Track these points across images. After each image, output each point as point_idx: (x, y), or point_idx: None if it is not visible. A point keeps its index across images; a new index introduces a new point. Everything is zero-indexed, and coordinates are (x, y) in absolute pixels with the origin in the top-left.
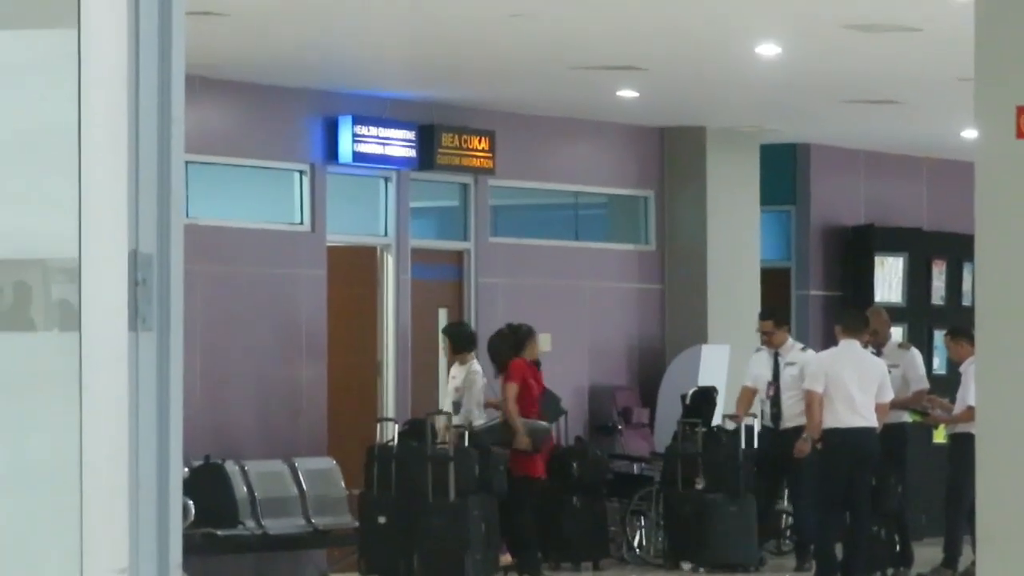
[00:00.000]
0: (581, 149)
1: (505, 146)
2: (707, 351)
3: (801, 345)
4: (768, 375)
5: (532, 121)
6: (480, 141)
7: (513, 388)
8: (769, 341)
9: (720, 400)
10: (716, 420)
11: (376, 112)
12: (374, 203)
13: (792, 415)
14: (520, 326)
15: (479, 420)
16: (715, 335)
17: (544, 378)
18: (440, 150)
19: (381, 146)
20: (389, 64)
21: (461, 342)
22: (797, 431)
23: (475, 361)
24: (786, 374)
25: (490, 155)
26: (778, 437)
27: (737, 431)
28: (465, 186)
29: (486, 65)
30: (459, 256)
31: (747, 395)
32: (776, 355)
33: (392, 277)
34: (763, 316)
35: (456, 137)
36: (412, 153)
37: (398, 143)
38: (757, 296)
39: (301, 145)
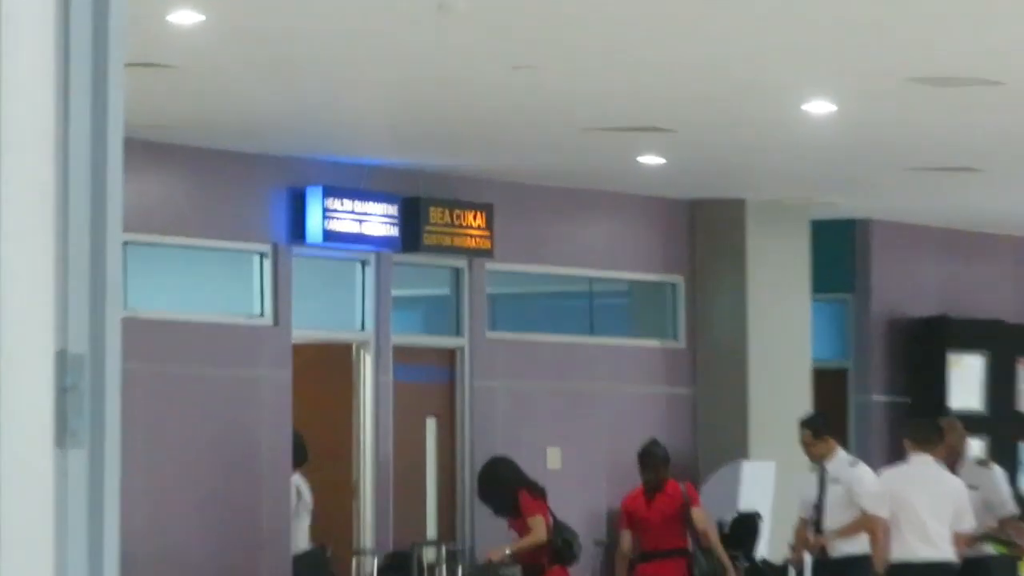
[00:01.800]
0: (596, 226)
1: (505, 223)
2: (749, 469)
3: (851, 459)
4: (815, 496)
5: (537, 192)
6: (475, 217)
7: (540, 523)
8: (809, 454)
9: (765, 528)
10: (760, 552)
11: (351, 182)
12: (349, 291)
13: (839, 542)
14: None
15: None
16: (758, 449)
17: (552, 505)
18: (428, 228)
19: (357, 223)
20: (367, 125)
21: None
22: (849, 563)
23: None
24: (831, 493)
25: (487, 233)
26: (826, 570)
27: (785, 568)
28: (457, 271)
29: (483, 126)
30: (451, 355)
31: (802, 529)
32: (822, 471)
33: (370, 380)
34: (802, 424)
35: (447, 212)
36: (394, 231)
37: (378, 219)
38: (808, 402)
39: (262, 222)
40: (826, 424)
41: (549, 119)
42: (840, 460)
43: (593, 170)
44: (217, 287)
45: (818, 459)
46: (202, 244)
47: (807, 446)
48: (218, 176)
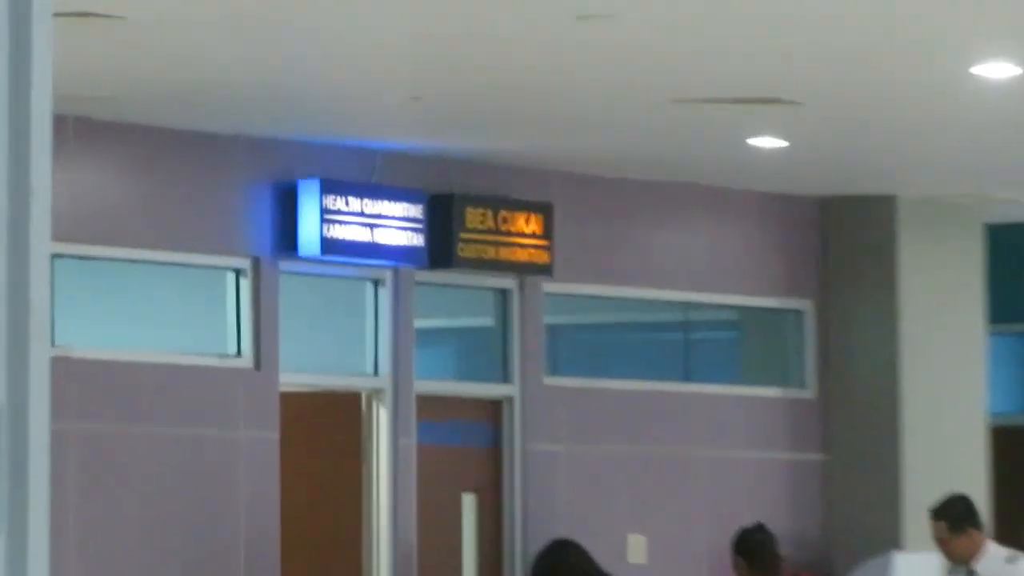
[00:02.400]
0: (693, 234)
1: (569, 229)
2: (904, 562)
3: (1008, 554)
4: None
5: (612, 188)
6: (528, 221)
7: None
8: (948, 553)
9: None
10: None
11: (359, 174)
12: (356, 322)
13: None
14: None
15: None
16: (915, 535)
17: None
18: (463, 236)
19: (367, 230)
20: (380, 96)
21: None
22: None
23: None
24: None
25: (545, 243)
26: None
27: None
28: (504, 294)
29: (538, 97)
30: (495, 409)
31: None
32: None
33: (386, 443)
34: (933, 515)
35: (489, 214)
36: (418, 240)
37: (395, 224)
38: (984, 471)
39: (238, 228)
40: (969, 512)
41: (628, 87)
42: (993, 558)
43: (689, 157)
44: (178, 316)
45: (961, 559)
46: (157, 258)
47: (943, 543)
48: (179, 166)
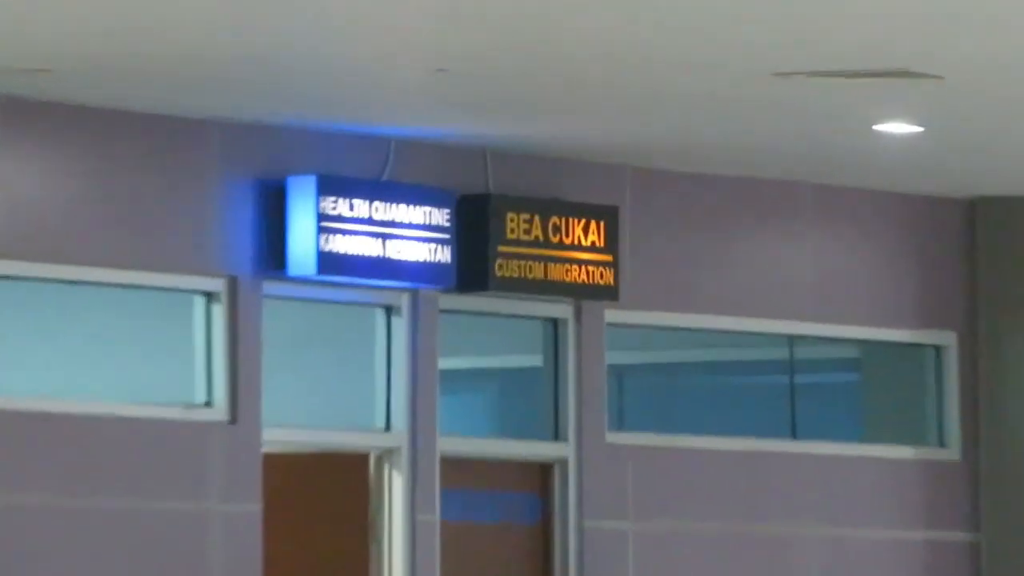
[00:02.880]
0: (800, 247)
1: (640, 239)
2: None
3: None
4: None
5: (697, 187)
6: (588, 229)
7: None
8: None
9: None
10: None
11: (367, 169)
12: (363, 361)
13: None
14: None
15: None
16: None
17: None
18: (503, 249)
19: (377, 240)
20: (397, 68)
21: None
22: None
23: None
24: None
25: (608, 258)
26: None
27: None
28: (555, 325)
29: (601, 72)
30: (543, 474)
31: None
32: None
33: (401, 516)
34: None
35: (536, 221)
36: (444, 255)
37: (414, 233)
38: None
39: (210, 239)
40: None
41: (717, 59)
42: None
43: (796, 147)
44: (132, 355)
45: None
46: (106, 279)
47: None
48: (135, 159)
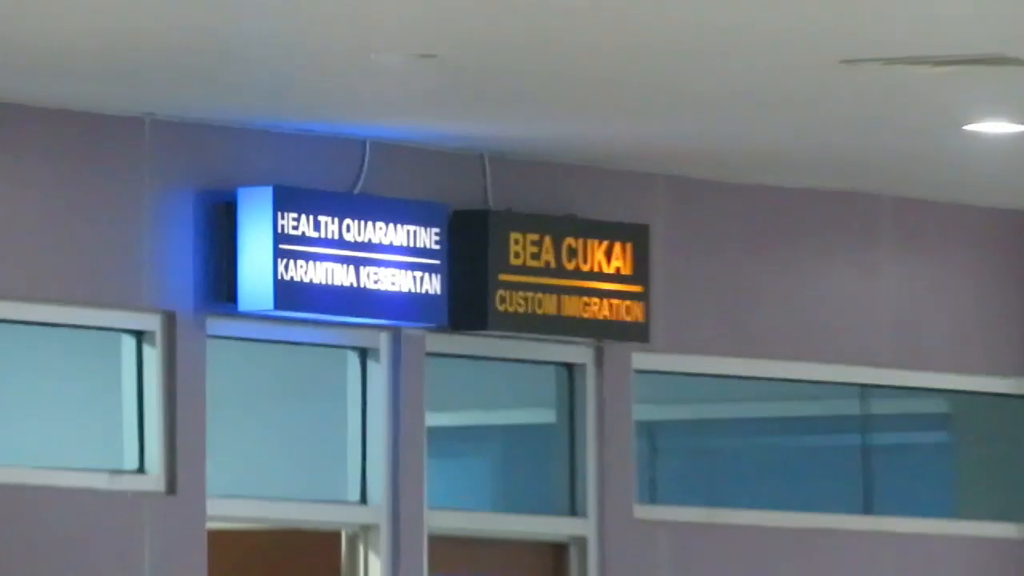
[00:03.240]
0: (876, 273)
1: (677, 265)
2: None
3: None
4: None
5: (744, 200)
6: (611, 253)
7: None
8: None
9: None
10: None
11: (338, 178)
12: (333, 417)
13: None
14: None
15: None
16: None
17: None
18: (506, 276)
19: (349, 267)
20: (374, 52)
21: None
22: None
23: None
24: None
25: (638, 289)
26: None
27: None
28: (571, 372)
29: (628, 58)
30: (557, 556)
31: None
32: None
33: None
34: None
35: (548, 242)
36: (433, 284)
37: (396, 258)
38: None
39: (143, 266)
40: None
41: (770, 42)
42: None
43: (869, 152)
44: (48, 409)
45: None
46: (13, 315)
47: None
48: (46, 166)
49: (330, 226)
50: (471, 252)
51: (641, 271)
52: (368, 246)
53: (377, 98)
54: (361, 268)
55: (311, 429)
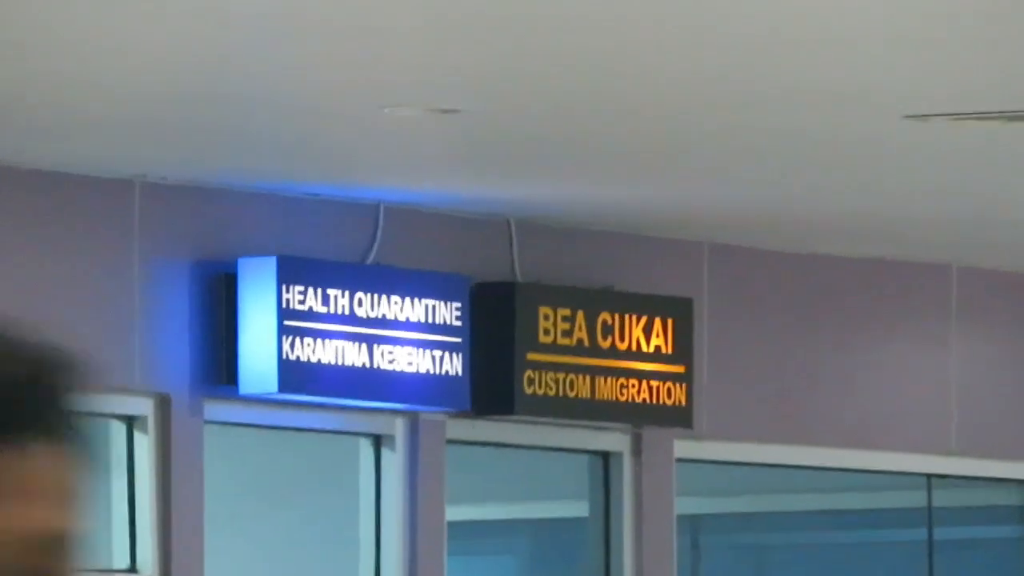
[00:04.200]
0: (941, 353)
1: (724, 343)
2: None
3: None
4: None
5: (799, 270)
6: (651, 328)
7: None
8: None
9: None
10: None
11: (346, 246)
12: (344, 511)
13: None
14: None
15: None
16: None
17: None
18: (534, 356)
19: (362, 346)
20: (388, 106)
21: None
22: None
23: None
24: None
25: (680, 370)
26: None
27: None
28: (607, 461)
29: (668, 114)
30: None
31: None
32: None
33: None
34: None
35: (581, 317)
36: (454, 366)
37: (413, 336)
38: None
39: (132, 344)
40: None
41: (827, 96)
42: None
43: (935, 217)
44: None
45: None
46: None
47: None
48: (26, 233)
49: (340, 300)
50: (496, 329)
51: (684, 350)
52: (382, 322)
53: (392, 158)
54: (375, 347)
55: (319, 524)
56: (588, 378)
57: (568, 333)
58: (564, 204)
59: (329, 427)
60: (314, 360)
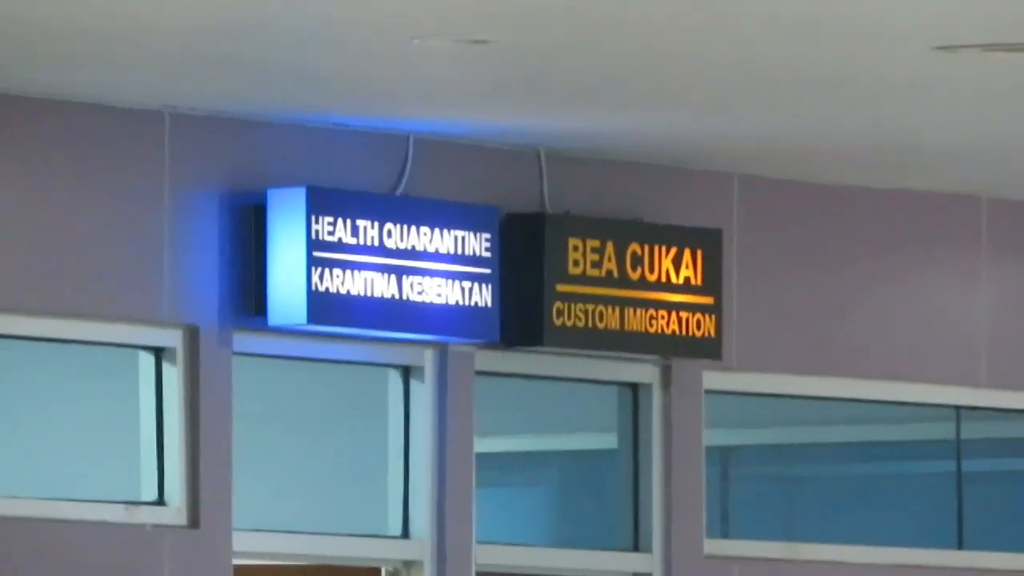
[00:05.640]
0: (971, 284)
1: (752, 276)
2: None
3: None
4: None
5: (830, 202)
6: (680, 259)
7: None
8: None
9: None
10: None
11: (375, 177)
12: (372, 442)
13: None
14: None
15: None
16: None
17: None
18: (563, 287)
19: (390, 276)
20: (415, 38)
21: None
22: None
23: None
24: None
25: (709, 301)
26: None
27: None
28: (635, 392)
29: (698, 41)
30: None
31: None
32: None
33: None
34: None
35: (610, 248)
36: (483, 296)
37: (442, 267)
38: None
39: (161, 275)
40: None
41: (855, 26)
42: None
43: (965, 149)
44: (57, 435)
45: None
46: (19, 330)
47: None
48: (54, 165)
49: (369, 231)
50: (525, 260)
51: (713, 281)
52: (411, 253)
53: (421, 89)
54: (404, 278)
55: (348, 456)
56: (617, 309)
57: (597, 264)
58: (594, 135)
59: (358, 359)
60: (343, 291)
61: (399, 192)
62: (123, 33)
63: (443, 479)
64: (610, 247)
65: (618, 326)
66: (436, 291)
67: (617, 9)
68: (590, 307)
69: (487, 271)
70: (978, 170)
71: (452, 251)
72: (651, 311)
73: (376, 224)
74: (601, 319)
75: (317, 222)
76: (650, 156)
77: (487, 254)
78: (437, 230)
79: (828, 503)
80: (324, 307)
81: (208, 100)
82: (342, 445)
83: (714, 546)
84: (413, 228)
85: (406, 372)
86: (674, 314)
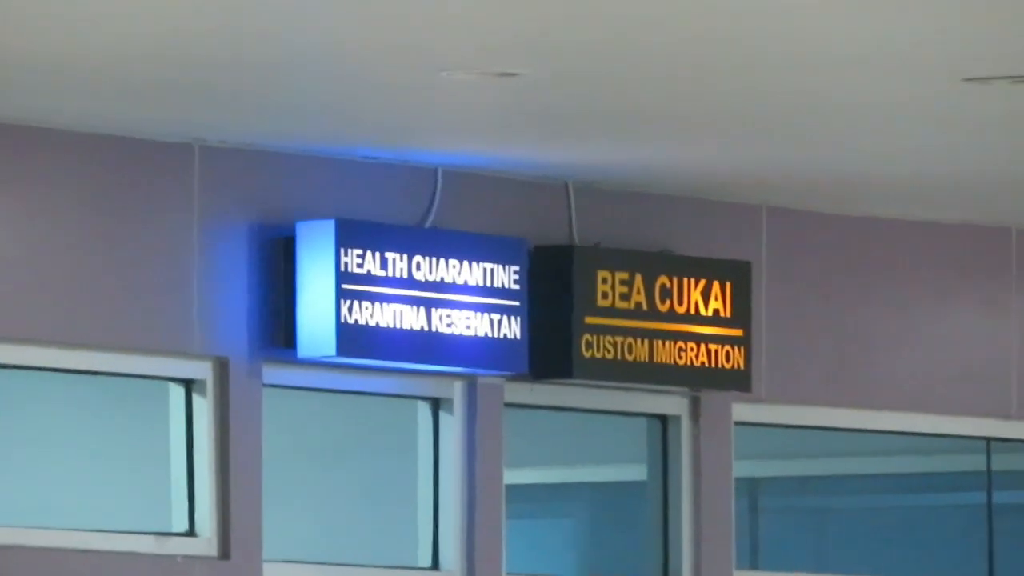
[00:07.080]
0: (1002, 315)
1: (781, 308)
2: None
3: None
4: None
5: (859, 233)
6: (709, 292)
7: None
8: None
9: None
10: None
11: (404, 210)
12: (401, 473)
13: None
14: None
15: None
16: None
17: None
18: (592, 319)
19: (419, 309)
20: (445, 71)
21: None
22: None
23: None
24: None
25: (738, 332)
26: None
27: None
28: (664, 424)
29: (729, 74)
30: None
31: None
32: None
33: None
34: None
35: (639, 281)
36: (512, 329)
37: (471, 299)
38: None
39: (191, 307)
40: None
41: (885, 59)
42: None
43: (995, 181)
44: (90, 466)
45: None
46: (52, 363)
47: None
48: (87, 198)
49: (398, 263)
50: (554, 292)
51: (742, 313)
52: (440, 286)
53: (450, 121)
54: (433, 310)
55: (378, 488)
56: (646, 341)
57: (626, 296)
58: (622, 167)
59: (387, 391)
60: (372, 323)
61: (428, 224)
62: (153, 67)
63: (473, 511)
64: (639, 279)
65: (647, 358)
66: (465, 323)
67: (644, 43)
68: (619, 339)
69: (516, 303)
70: (1008, 201)
71: (481, 283)
72: (680, 343)
73: (405, 256)
74: (630, 351)
75: (346, 254)
76: (679, 188)
77: (516, 286)
78: (466, 262)
79: (857, 535)
80: (353, 339)
81: (237, 133)
82: (372, 477)
83: None
84: (442, 260)
85: (435, 404)
86: (703, 346)
